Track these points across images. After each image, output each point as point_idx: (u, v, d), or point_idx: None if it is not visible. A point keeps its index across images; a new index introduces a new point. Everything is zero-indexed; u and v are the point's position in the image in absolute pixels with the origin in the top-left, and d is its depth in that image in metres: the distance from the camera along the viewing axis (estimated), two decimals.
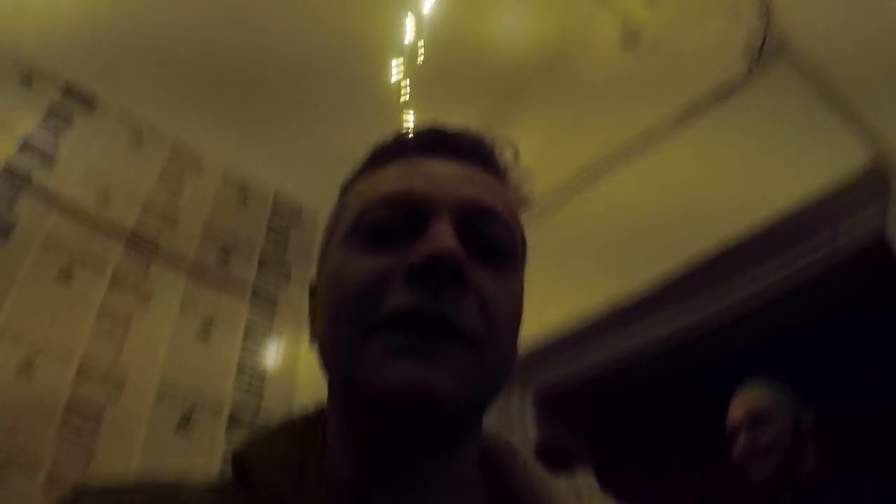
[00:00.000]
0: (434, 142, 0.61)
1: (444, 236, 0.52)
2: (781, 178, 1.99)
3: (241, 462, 0.56)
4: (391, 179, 0.59)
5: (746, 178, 2.10)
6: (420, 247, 0.52)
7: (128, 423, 2.53)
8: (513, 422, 2.79)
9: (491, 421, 1.86)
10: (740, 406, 1.89)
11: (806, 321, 2.43)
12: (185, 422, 2.67)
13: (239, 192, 3.37)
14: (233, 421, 2.80)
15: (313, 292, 0.65)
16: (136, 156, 3.08)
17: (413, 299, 0.51)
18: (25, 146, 2.77)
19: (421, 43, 2.57)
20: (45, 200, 2.74)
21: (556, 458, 2.51)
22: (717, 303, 2.24)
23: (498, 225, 0.58)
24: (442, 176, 0.58)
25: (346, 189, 0.65)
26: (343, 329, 0.54)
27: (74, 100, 2.97)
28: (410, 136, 0.63)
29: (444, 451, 0.56)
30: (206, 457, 2.64)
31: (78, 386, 2.47)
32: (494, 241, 0.57)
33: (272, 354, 3.13)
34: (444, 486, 0.55)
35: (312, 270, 0.66)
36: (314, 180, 3.19)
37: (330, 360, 0.57)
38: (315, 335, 0.61)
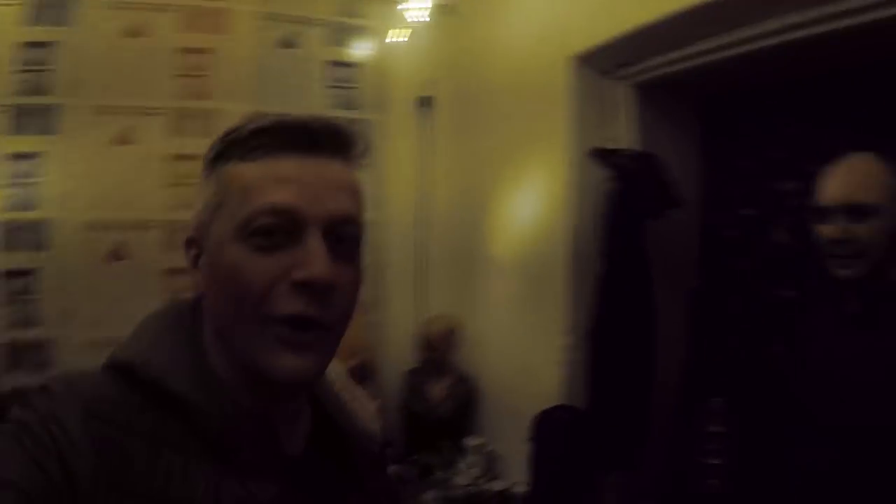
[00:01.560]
0: (302, 138, 0.75)
1: (319, 259, 0.71)
2: None
3: (142, 372, 0.72)
4: (273, 186, 0.73)
5: None
6: (302, 263, 0.71)
7: None
8: (615, 110, 2.56)
9: (591, 112, 2.00)
10: (840, 186, 1.53)
11: None
12: None
13: None
14: None
15: (192, 243, 0.79)
16: None
17: (298, 307, 0.71)
18: None
19: None
20: None
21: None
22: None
23: (353, 226, 0.76)
24: (314, 186, 0.74)
25: (221, 161, 0.76)
26: (243, 317, 0.72)
27: None
28: (282, 129, 0.74)
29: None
30: None
31: None
32: (350, 238, 0.76)
33: None
34: (300, 400, 0.83)
35: None
36: None
37: (228, 329, 0.75)
38: (200, 287, 0.78)
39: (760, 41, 2.10)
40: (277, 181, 0.73)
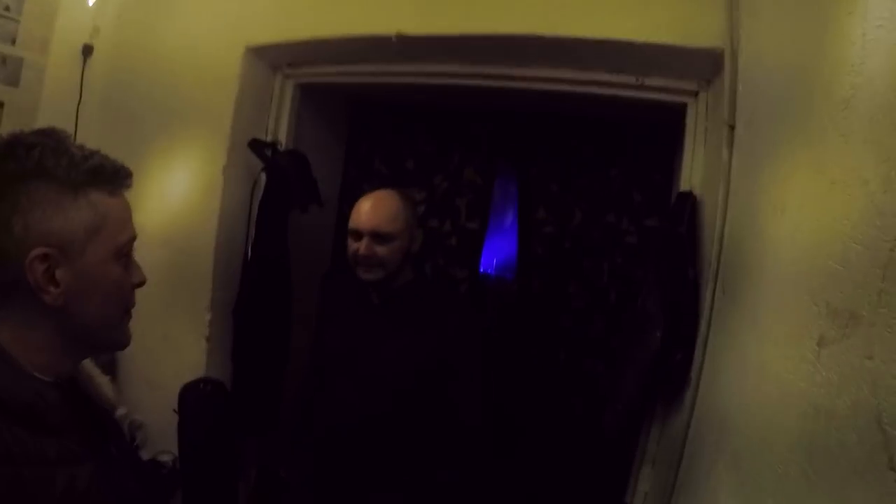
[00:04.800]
0: (127, 180, 1.03)
1: (141, 269, 1.09)
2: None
3: None
4: (130, 220, 1.05)
5: None
6: (136, 272, 1.08)
7: None
8: (278, 104, 2.73)
9: (255, 102, 2.59)
10: (369, 216, 1.96)
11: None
12: None
13: None
14: None
15: (46, 258, 0.92)
16: None
17: (134, 298, 1.08)
18: None
19: None
20: None
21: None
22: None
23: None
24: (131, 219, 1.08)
25: (90, 189, 0.96)
26: (119, 311, 1.05)
27: None
28: (124, 173, 1.02)
29: None
30: None
31: None
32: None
33: None
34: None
35: None
36: None
37: (98, 322, 1.01)
38: (60, 301, 0.94)
39: (401, 77, 2.47)
40: (129, 216, 1.05)
